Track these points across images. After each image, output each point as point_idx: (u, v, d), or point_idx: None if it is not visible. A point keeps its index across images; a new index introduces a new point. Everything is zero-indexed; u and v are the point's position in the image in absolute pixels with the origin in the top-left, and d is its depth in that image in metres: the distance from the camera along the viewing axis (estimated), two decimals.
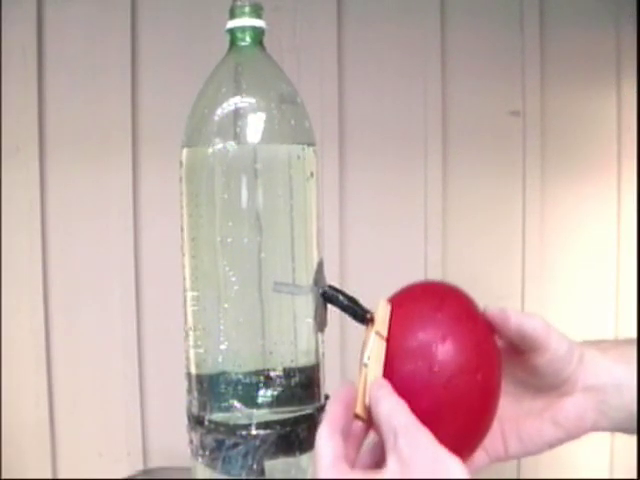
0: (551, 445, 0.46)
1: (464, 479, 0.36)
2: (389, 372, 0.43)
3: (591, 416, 0.44)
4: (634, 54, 0.85)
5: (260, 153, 0.46)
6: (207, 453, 0.46)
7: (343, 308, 0.49)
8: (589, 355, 0.46)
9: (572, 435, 0.45)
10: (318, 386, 0.49)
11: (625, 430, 0.46)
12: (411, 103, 0.88)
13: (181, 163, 0.49)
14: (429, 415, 0.41)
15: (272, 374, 0.46)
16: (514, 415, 0.46)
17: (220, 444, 0.46)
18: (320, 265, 0.49)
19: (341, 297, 0.49)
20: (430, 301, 0.47)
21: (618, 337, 0.89)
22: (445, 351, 0.43)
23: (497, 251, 0.90)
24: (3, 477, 0.84)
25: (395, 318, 0.45)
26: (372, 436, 0.42)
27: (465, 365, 0.44)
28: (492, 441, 0.46)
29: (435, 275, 0.88)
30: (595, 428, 0.45)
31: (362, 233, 0.89)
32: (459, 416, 0.43)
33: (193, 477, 0.49)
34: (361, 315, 0.48)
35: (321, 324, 0.49)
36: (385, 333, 0.44)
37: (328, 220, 0.86)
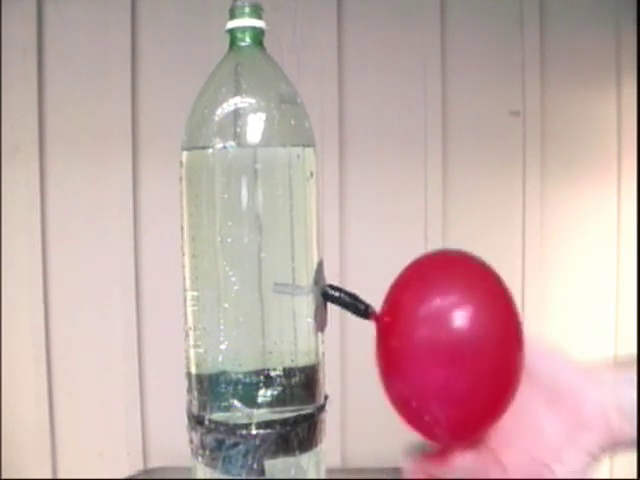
0: None
1: None
2: (406, 343, 0.43)
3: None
4: (634, 54, 0.85)
5: (260, 153, 0.46)
6: (207, 453, 0.46)
7: (345, 305, 0.49)
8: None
9: None
10: (318, 386, 0.49)
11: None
12: (411, 103, 0.88)
13: (181, 163, 0.49)
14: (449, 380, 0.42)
15: (272, 374, 0.46)
16: None
17: (220, 444, 0.46)
18: (320, 265, 0.49)
19: (342, 295, 0.49)
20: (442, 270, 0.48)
21: (617, 335, 0.89)
22: (461, 316, 0.43)
23: (497, 251, 0.90)
24: (3, 477, 0.84)
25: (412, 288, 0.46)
26: None
27: (482, 330, 0.44)
28: None
29: None
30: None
31: (362, 233, 0.89)
32: (480, 378, 0.43)
33: (193, 477, 0.49)
34: (364, 310, 0.48)
35: (321, 324, 0.49)
36: None
37: (328, 220, 0.86)
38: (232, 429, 0.45)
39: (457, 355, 0.43)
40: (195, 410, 0.48)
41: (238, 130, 0.46)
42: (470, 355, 0.43)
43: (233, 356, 0.46)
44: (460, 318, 0.43)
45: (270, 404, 0.46)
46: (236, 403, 0.46)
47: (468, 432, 0.44)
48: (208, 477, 0.47)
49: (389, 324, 0.46)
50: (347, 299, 0.49)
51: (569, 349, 0.46)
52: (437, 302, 0.45)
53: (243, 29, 0.48)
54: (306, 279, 0.48)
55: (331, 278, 0.51)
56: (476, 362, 0.43)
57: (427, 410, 0.44)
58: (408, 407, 0.45)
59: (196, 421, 0.47)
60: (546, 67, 0.89)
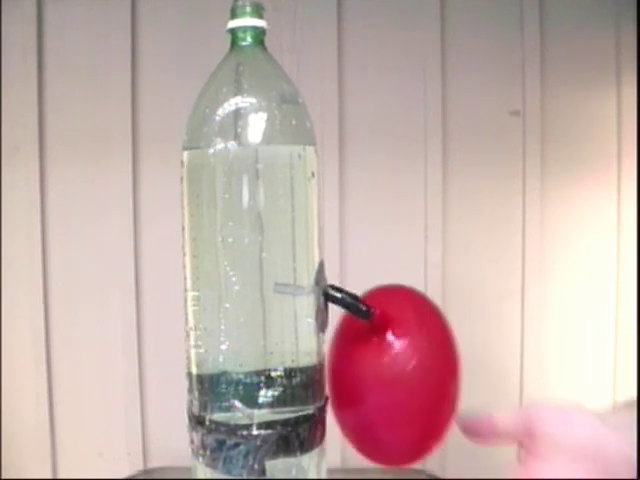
0: None
1: None
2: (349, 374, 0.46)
3: None
4: (634, 54, 0.85)
5: (261, 153, 0.46)
6: (208, 453, 0.46)
7: (346, 306, 0.49)
8: None
9: None
10: (319, 386, 0.49)
11: None
12: (411, 103, 0.88)
13: (182, 163, 0.49)
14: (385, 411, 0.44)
15: (273, 374, 0.46)
16: None
17: (221, 444, 0.46)
18: (321, 265, 0.49)
19: (343, 295, 0.49)
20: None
21: (617, 335, 0.89)
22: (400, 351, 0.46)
23: (497, 251, 0.90)
24: (3, 477, 0.84)
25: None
26: None
27: (418, 364, 0.46)
28: None
29: (435, 275, 0.88)
30: None
31: (362, 233, 0.89)
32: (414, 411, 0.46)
33: (193, 477, 0.49)
34: (365, 312, 0.48)
35: (322, 324, 0.49)
36: None
37: (328, 220, 0.86)
38: (233, 429, 0.45)
39: (395, 384, 0.46)
40: (196, 410, 0.48)
41: (239, 130, 0.46)
42: (408, 384, 0.46)
43: (234, 356, 0.46)
44: (400, 351, 0.47)
45: (271, 404, 0.46)
46: (237, 403, 0.46)
47: (407, 456, 0.47)
48: (209, 477, 0.47)
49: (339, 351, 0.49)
50: (348, 300, 0.49)
51: (576, 402, 0.46)
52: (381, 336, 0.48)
53: (244, 29, 0.48)
54: (307, 279, 0.48)
55: (331, 278, 0.51)
56: (414, 390, 0.46)
57: (369, 433, 0.48)
58: (351, 428, 0.50)
59: (197, 421, 0.47)
60: (546, 67, 0.89)
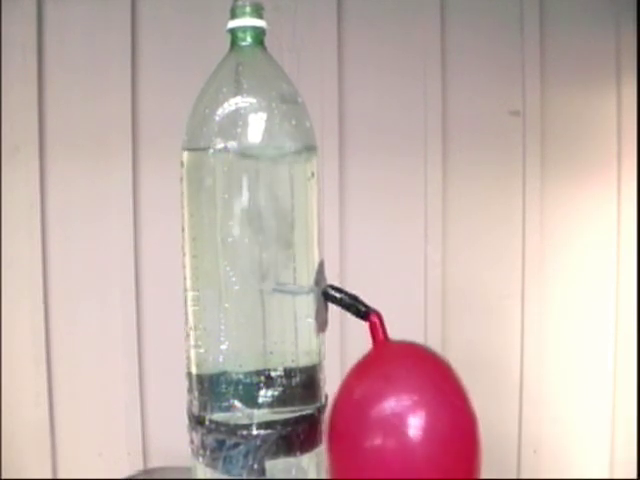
0: None
1: None
2: (353, 445, 0.44)
3: None
4: (634, 54, 0.85)
5: (261, 153, 0.46)
6: (208, 453, 0.46)
7: (345, 306, 0.49)
8: None
9: None
10: (319, 386, 0.49)
11: None
12: (411, 103, 0.88)
13: (182, 163, 0.49)
14: None
15: (273, 374, 0.46)
16: None
17: (221, 444, 0.46)
18: (321, 265, 0.49)
19: (343, 296, 0.49)
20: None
21: (617, 335, 0.89)
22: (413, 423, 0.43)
23: (497, 251, 0.90)
24: (3, 477, 0.84)
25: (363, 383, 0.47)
26: None
27: (434, 436, 0.44)
28: None
29: (435, 275, 0.88)
30: None
31: (362, 233, 0.89)
32: None
33: (193, 477, 0.49)
34: (364, 312, 0.49)
35: (322, 324, 0.49)
36: None
37: (328, 220, 0.86)
38: (233, 429, 0.46)
39: (406, 460, 0.43)
40: (196, 410, 0.48)
41: (239, 130, 0.46)
42: (421, 462, 0.43)
43: (234, 356, 0.46)
44: (411, 425, 0.44)
45: (271, 404, 0.46)
46: (237, 403, 0.46)
47: None
48: (209, 477, 0.47)
49: (340, 425, 0.47)
50: (348, 300, 0.49)
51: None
52: (389, 406, 0.44)
53: (244, 29, 0.48)
54: (307, 279, 0.48)
55: (331, 278, 0.51)
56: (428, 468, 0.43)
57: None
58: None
59: (197, 421, 0.47)
60: (546, 67, 0.88)
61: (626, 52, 0.87)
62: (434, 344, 0.51)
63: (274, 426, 0.45)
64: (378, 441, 0.44)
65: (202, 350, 0.48)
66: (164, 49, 0.87)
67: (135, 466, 0.88)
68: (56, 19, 0.87)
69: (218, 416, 0.46)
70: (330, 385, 0.51)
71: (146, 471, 0.87)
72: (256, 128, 0.46)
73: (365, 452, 0.44)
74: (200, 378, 0.48)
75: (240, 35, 0.48)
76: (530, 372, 0.89)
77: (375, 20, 0.88)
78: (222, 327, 0.46)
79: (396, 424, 0.44)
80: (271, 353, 0.46)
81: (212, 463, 0.46)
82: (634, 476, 0.84)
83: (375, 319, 0.49)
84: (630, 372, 0.86)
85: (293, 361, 0.47)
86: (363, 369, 0.49)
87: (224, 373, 0.46)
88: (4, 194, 0.86)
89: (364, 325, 0.50)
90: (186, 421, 0.49)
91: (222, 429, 0.46)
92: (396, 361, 0.48)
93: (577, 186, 0.89)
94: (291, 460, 0.46)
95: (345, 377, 0.49)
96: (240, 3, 0.48)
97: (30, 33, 0.85)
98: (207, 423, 0.46)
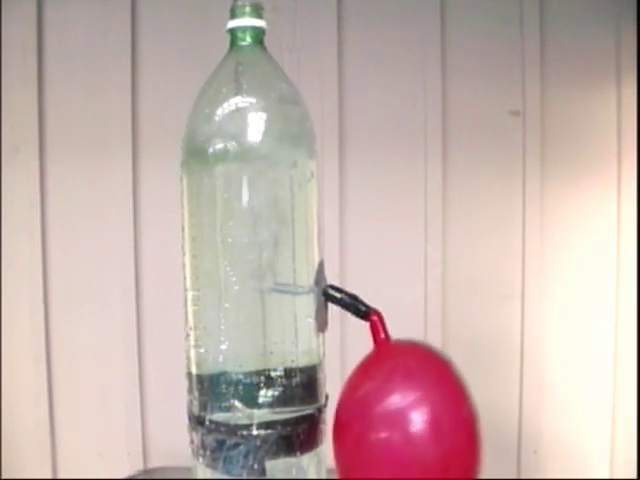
0: None
1: None
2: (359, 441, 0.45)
3: None
4: (634, 54, 0.85)
5: (261, 153, 0.46)
6: (208, 453, 0.46)
7: (345, 306, 0.49)
8: None
9: None
10: (319, 386, 0.49)
11: None
12: (411, 103, 0.88)
13: (182, 163, 0.49)
14: None
15: (273, 374, 0.46)
16: None
17: (221, 444, 0.46)
18: (321, 265, 0.49)
19: (342, 295, 0.49)
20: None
21: (617, 335, 0.89)
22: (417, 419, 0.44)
23: (497, 251, 0.90)
24: (3, 477, 0.84)
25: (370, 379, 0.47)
26: None
27: (438, 431, 0.45)
28: None
29: (435, 275, 0.88)
30: None
31: (362, 233, 0.89)
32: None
33: (193, 477, 0.49)
34: (364, 312, 0.49)
35: (322, 324, 0.49)
36: None
37: (328, 220, 0.86)
38: (233, 429, 0.45)
39: (411, 455, 0.44)
40: (196, 410, 0.48)
41: (239, 130, 0.46)
42: (414, 456, 0.45)
43: (234, 356, 0.46)
44: (411, 420, 0.45)
45: (271, 404, 0.46)
46: (237, 403, 0.46)
47: None
48: (209, 477, 0.47)
49: (345, 423, 0.48)
50: (348, 300, 0.49)
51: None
52: (392, 401, 0.46)
53: (244, 29, 0.48)
54: (307, 279, 0.48)
55: (331, 278, 0.51)
56: (420, 463, 0.45)
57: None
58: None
59: (197, 421, 0.47)
60: (546, 67, 0.88)
61: (626, 52, 0.87)
62: (434, 344, 0.51)
63: (274, 426, 0.45)
64: (383, 435, 0.45)
65: (202, 350, 0.48)
66: (164, 49, 0.87)
67: (135, 466, 0.88)
68: (56, 19, 0.87)
69: (218, 416, 0.46)
70: (330, 385, 0.51)
71: (146, 471, 0.87)
72: (256, 128, 0.46)
73: (371, 446, 0.45)
74: (200, 378, 0.48)
75: (240, 35, 0.48)
76: (530, 372, 0.89)
77: (375, 20, 0.88)
78: (222, 327, 0.46)
79: (400, 420, 0.45)
80: (271, 353, 0.46)
81: (212, 463, 0.46)
82: (634, 476, 0.84)
83: (376, 318, 0.49)
84: (630, 372, 0.86)
85: (293, 361, 0.47)
86: (367, 368, 0.49)
87: (224, 373, 0.46)
88: (4, 194, 0.86)
89: (364, 325, 0.50)
90: (186, 421, 0.49)
91: (222, 429, 0.46)
92: (399, 359, 0.49)
93: (577, 186, 0.89)
94: (291, 460, 0.46)
95: (349, 377, 0.50)
96: (240, 3, 0.48)
97: (30, 33, 0.85)
98: (207, 423, 0.46)
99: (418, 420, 0.45)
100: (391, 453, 0.45)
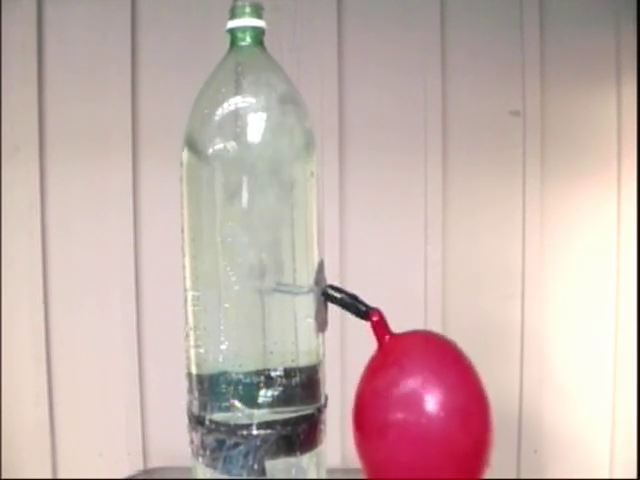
0: None
1: None
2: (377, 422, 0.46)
3: None
4: (634, 54, 0.85)
5: (260, 153, 0.46)
6: (208, 453, 0.46)
7: (345, 306, 0.49)
8: None
9: None
10: (319, 386, 0.49)
11: None
12: (411, 103, 0.88)
13: (182, 163, 0.49)
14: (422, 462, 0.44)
15: (273, 374, 0.46)
16: None
17: (221, 444, 0.46)
18: (321, 265, 0.49)
19: (342, 295, 0.49)
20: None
21: (617, 335, 0.89)
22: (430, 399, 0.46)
23: (497, 251, 0.90)
24: (3, 477, 0.84)
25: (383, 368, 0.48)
26: None
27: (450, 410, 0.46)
28: None
29: (435, 275, 0.88)
30: None
31: (362, 232, 0.89)
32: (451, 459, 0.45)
33: (193, 477, 0.49)
34: (364, 312, 0.49)
35: (322, 324, 0.49)
36: None
37: (328, 220, 0.86)
38: (233, 429, 0.46)
39: (425, 436, 0.46)
40: (196, 410, 0.48)
41: (238, 130, 0.46)
42: (437, 436, 0.46)
43: (234, 356, 0.46)
44: (429, 401, 0.46)
45: (271, 404, 0.46)
46: (237, 403, 0.46)
47: None
48: (209, 477, 0.47)
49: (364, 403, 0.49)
50: (347, 300, 0.49)
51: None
52: (408, 386, 0.47)
53: (244, 29, 0.48)
54: (307, 279, 0.48)
55: (331, 278, 0.51)
56: (443, 442, 0.46)
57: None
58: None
59: (197, 421, 0.47)
60: (546, 67, 0.88)
61: (626, 52, 0.87)
62: None
63: (274, 426, 0.45)
64: (400, 417, 0.46)
65: (202, 350, 0.48)
66: (164, 49, 0.87)
67: (135, 466, 0.88)
68: (56, 19, 0.87)
69: (218, 416, 0.46)
70: (330, 385, 0.51)
71: (146, 471, 0.87)
72: (255, 128, 0.46)
73: (390, 431, 0.47)
74: (200, 378, 0.48)
75: (240, 35, 0.48)
76: (530, 372, 0.89)
77: (375, 20, 0.88)
78: (222, 327, 0.46)
79: (416, 404, 0.46)
80: (271, 353, 0.46)
81: (212, 463, 0.46)
82: (634, 476, 0.84)
83: (377, 317, 0.49)
84: (630, 372, 0.86)
85: (293, 361, 0.47)
86: (379, 363, 0.50)
87: (224, 373, 0.46)
88: (4, 194, 0.86)
89: (364, 325, 0.50)
90: (186, 421, 0.49)
91: (222, 429, 0.46)
92: (409, 349, 0.50)
93: (577, 186, 0.89)
94: (291, 460, 0.46)
95: (362, 375, 0.51)
96: (240, 3, 0.48)
97: (30, 33, 0.85)
98: (207, 423, 0.46)
99: (433, 403, 0.46)
100: (410, 435, 0.46)
